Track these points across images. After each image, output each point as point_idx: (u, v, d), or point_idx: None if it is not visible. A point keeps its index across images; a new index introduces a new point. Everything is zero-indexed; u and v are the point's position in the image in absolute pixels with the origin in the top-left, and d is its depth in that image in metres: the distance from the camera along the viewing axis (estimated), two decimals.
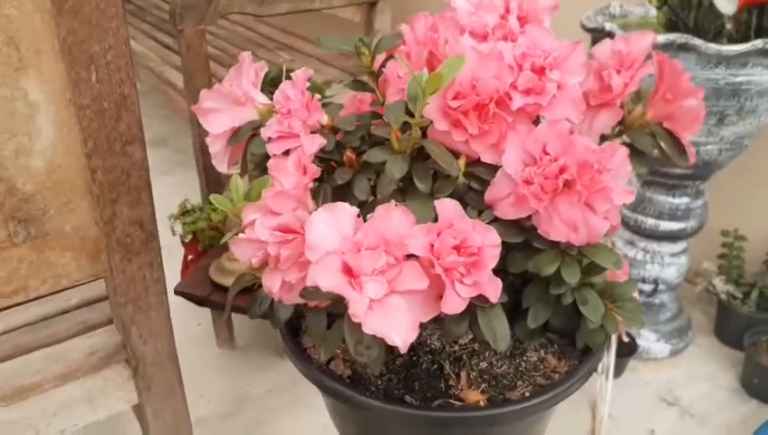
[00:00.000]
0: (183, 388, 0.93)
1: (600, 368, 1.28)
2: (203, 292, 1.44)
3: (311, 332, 0.51)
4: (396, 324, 0.42)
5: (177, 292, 1.44)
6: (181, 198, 1.62)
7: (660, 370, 1.48)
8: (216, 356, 1.56)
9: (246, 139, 0.60)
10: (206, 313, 1.57)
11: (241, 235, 0.49)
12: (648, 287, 1.48)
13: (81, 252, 0.75)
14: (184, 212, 1.64)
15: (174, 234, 1.60)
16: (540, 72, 0.49)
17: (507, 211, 0.49)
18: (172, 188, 2.05)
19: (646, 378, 1.46)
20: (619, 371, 1.44)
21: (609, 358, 1.27)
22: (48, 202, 0.71)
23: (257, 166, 0.61)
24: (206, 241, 1.61)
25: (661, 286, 1.48)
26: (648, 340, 1.50)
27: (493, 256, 0.44)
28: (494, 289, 0.45)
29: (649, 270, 1.47)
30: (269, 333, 1.62)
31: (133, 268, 0.78)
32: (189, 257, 1.66)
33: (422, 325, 0.57)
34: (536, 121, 0.50)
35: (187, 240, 1.62)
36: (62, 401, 0.81)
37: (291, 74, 0.56)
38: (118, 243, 0.75)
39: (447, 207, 0.45)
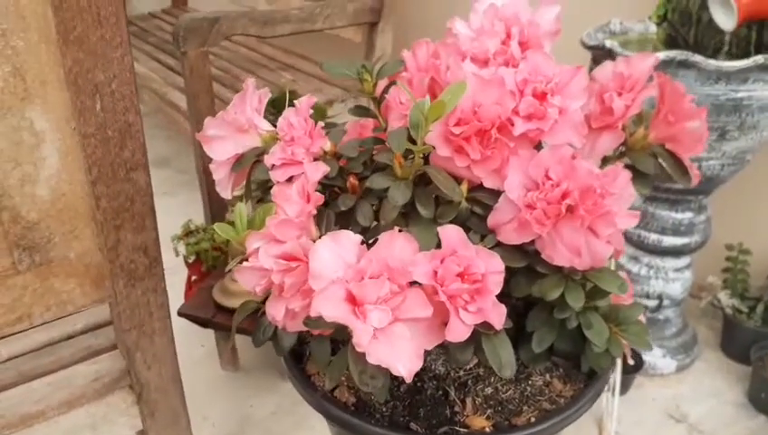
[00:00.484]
0: (187, 413, 0.93)
1: (606, 384, 1.28)
2: (206, 313, 1.43)
3: (315, 359, 0.51)
4: (400, 354, 0.42)
5: (180, 313, 1.44)
6: (184, 218, 1.62)
7: (667, 386, 1.47)
8: (219, 378, 1.56)
9: (250, 165, 0.60)
10: (209, 334, 1.57)
11: (245, 263, 0.49)
12: (652, 303, 1.47)
13: (86, 278, 0.75)
14: (187, 233, 1.64)
15: (177, 255, 1.60)
16: (541, 97, 0.49)
17: (510, 236, 0.49)
18: (175, 209, 2.06)
19: (652, 394, 1.45)
20: (625, 387, 1.43)
21: (615, 375, 1.26)
22: (52, 230, 0.71)
23: (259, 187, 0.61)
24: (210, 262, 1.61)
25: (666, 302, 1.47)
26: (653, 356, 1.49)
27: (497, 283, 0.44)
28: (498, 315, 0.45)
29: (653, 286, 1.46)
30: (272, 355, 1.61)
31: (137, 294, 0.78)
32: (193, 278, 1.66)
33: (427, 351, 0.57)
34: (538, 146, 0.50)
35: (190, 261, 1.62)
36: (66, 429, 0.81)
37: (294, 102, 0.56)
38: (122, 269, 0.75)
39: (451, 233, 0.45)
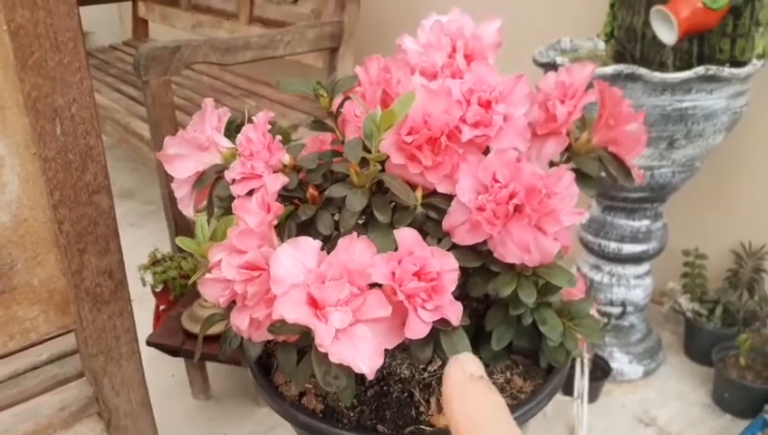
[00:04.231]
0: None
1: (575, 393, 1.30)
2: (176, 341, 1.42)
3: (281, 367, 0.52)
4: (362, 353, 0.43)
5: (149, 343, 1.42)
6: (150, 249, 1.61)
7: (635, 391, 1.51)
8: (191, 407, 1.54)
9: (211, 182, 0.61)
10: (179, 363, 1.55)
11: (208, 275, 0.50)
12: (616, 310, 1.51)
13: (50, 305, 0.75)
14: (154, 262, 1.63)
15: (144, 284, 1.58)
16: (486, 105, 0.52)
17: (464, 237, 0.51)
18: (140, 240, 2.04)
19: (621, 400, 1.48)
20: (594, 395, 1.45)
21: (584, 382, 1.29)
22: (15, 256, 0.71)
23: (226, 212, 0.62)
24: (178, 290, 1.60)
25: (629, 308, 1.51)
26: (620, 362, 1.53)
27: (451, 280, 0.46)
28: (454, 312, 0.46)
29: (616, 293, 1.50)
30: (244, 382, 1.61)
31: (103, 318, 0.78)
32: (161, 307, 1.65)
33: (391, 355, 0.58)
34: (486, 152, 0.53)
35: (158, 290, 1.61)
36: None
37: (253, 118, 0.58)
38: (87, 293, 0.75)
39: (406, 235, 0.47)
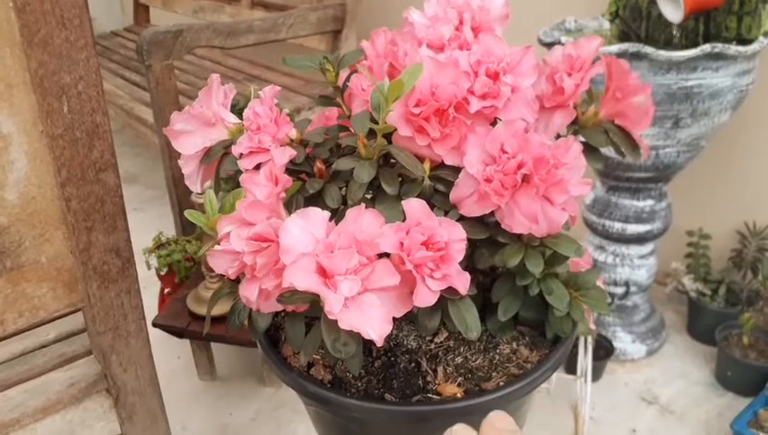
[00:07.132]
0: (166, 416, 0.93)
1: (578, 371, 1.31)
2: (182, 323, 1.43)
3: (290, 338, 0.53)
4: (371, 319, 0.43)
5: (155, 324, 1.43)
6: (154, 234, 1.62)
7: (638, 370, 1.52)
8: (197, 388, 1.55)
9: (218, 158, 0.61)
10: (185, 345, 1.56)
11: (216, 247, 0.50)
12: (619, 290, 1.52)
13: (58, 282, 0.76)
14: (159, 245, 1.64)
15: (149, 267, 1.59)
16: (494, 76, 0.52)
17: (472, 209, 0.51)
18: (145, 225, 2.05)
19: (624, 379, 1.49)
20: (597, 373, 1.46)
21: (587, 361, 1.29)
22: (23, 234, 0.71)
23: (229, 180, 0.63)
24: (183, 273, 1.61)
25: (633, 288, 1.51)
26: (623, 341, 1.53)
27: (459, 250, 0.46)
28: (462, 282, 0.47)
29: (620, 273, 1.51)
30: (249, 362, 1.62)
31: (111, 296, 0.78)
32: (166, 290, 1.66)
33: (398, 327, 0.59)
34: (494, 123, 0.53)
35: (163, 273, 1.62)
36: None
37: (260, 93, 0.58)
38: (94, 271, 0.76)
39: (414, 206, 0.47)
